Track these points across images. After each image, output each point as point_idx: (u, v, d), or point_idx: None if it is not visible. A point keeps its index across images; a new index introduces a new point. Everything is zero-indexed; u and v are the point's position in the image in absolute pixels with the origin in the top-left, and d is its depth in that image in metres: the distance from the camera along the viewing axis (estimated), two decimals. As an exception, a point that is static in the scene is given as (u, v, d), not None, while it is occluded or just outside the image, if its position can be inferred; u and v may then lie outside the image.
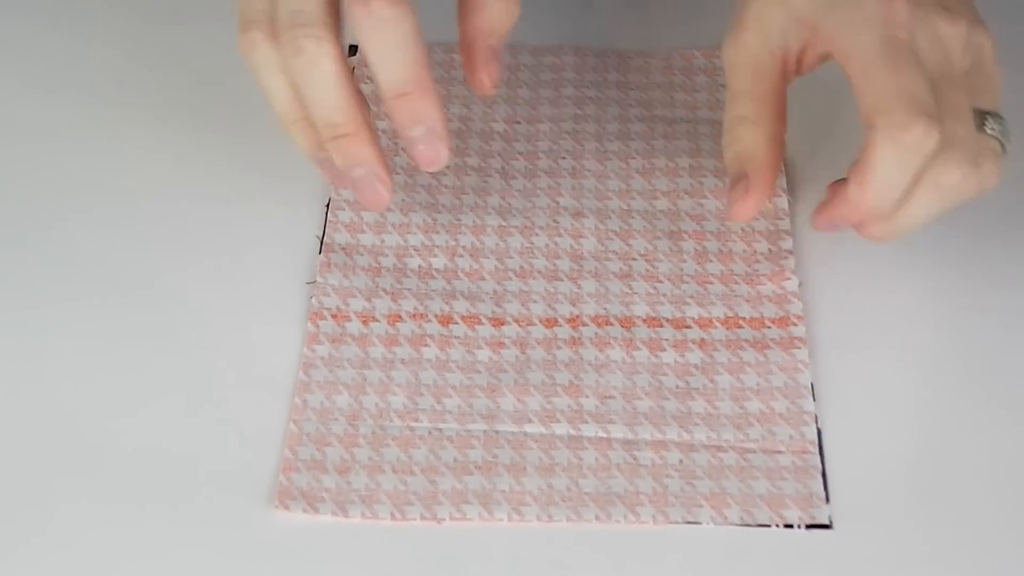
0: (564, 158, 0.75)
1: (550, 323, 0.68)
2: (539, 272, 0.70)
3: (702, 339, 0.67)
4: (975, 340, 0.68)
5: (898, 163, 0.62)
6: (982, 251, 0.71)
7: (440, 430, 0.64)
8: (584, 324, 0.68)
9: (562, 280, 0.70)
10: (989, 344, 0.68)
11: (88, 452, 0.64)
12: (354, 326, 0.68)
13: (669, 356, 0.67)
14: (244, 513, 0.62)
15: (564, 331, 0.68)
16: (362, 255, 0.71)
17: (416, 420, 0.65)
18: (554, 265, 0.70)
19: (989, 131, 0.64)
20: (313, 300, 0.69)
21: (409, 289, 0.69)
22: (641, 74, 0.80)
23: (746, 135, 0.68)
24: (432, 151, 0.63)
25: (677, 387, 0.66)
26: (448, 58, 0.79)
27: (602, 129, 0.76)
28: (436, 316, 0.68)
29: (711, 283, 0.69)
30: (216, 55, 0.81)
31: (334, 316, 0.68)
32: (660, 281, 0.70)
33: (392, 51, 0.61)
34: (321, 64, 0.62)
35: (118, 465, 0.63)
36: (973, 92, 0.65)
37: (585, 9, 0.84)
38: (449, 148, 0.63)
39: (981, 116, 0.65)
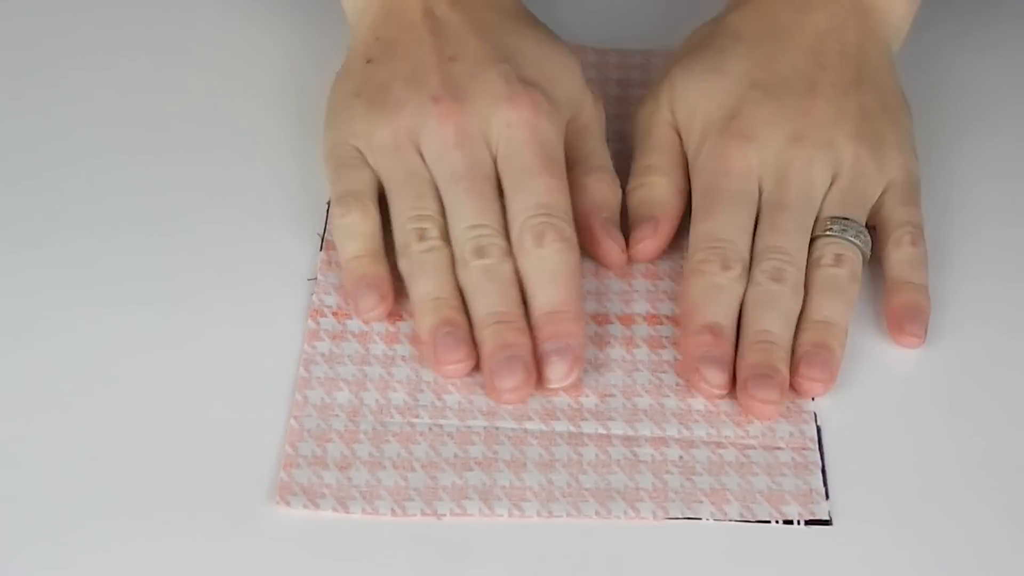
0: None
1: None
2: None
3: None
4: (975, 336, 0.68)
5: (703, 293, 0.66)
6: (981, 251, 0.72)
7: (440, 426, 0.64)
8: (584, 321, 0.68)
9: None
10: (990, 341, 0.68)
11: (88, 449, 0.64)
12: (355, 323, 0.68)
13: (669, 354, 0.67)
14: (245, 509, 0.62)
15: None
16: None
17: (416, 416, 0.65)
18: None
19: (827, 233, 0.68)
20: (314, 297, 0.69)
21: None
22: (640, 72, 0.80)
23: (656, 182, 0.72)
24: (565, 366, 0.65)
25: (677, 384, 0.66)
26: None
27: None
28: None
29: None
30: (222, 52, 0.82)
31: (335, 313, 0.68)
32: (660, 279, 0.70)
33: (555, 278, 0.66)
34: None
35: (118, 462, 0.63)
36: (835, 205, 0.69)
37: (586, 7, 0.84)
38: (580, 371, 0.65)
39: (833, 222, 0.69)
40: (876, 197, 0.71)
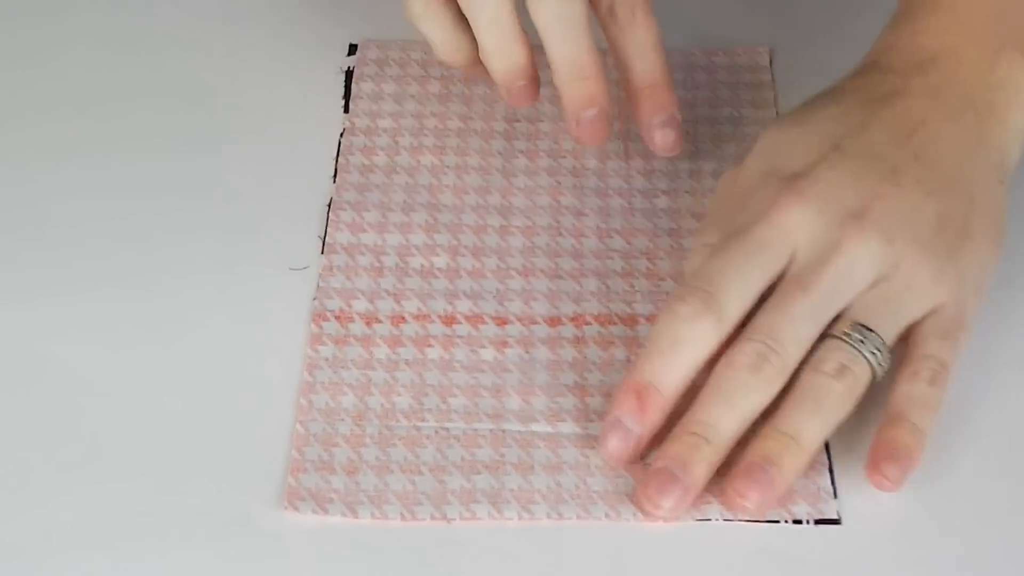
0: (565, 157, 0.75)
1: (553, 322, 0.68)
2: (541, 271, 0.70)
3: None
4: (983, 339, 0.67)
5: (660, 338, 0.61)
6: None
7: (447, 429, 0.64)
8: (587, 323, 0.68)
9: (564, 279, 0.70)
10: (996, 339, 0.67)
11: (92, 453, 0.63)
12: (357, 327, 0.68)
13: None
14: (253, 514, 0.62)
15: (568, 330, 0.68)
16: (364, 255, 0.71)
17: (422, 420, 0.65)
18: (556, 263, 0.70)
19: (842, 336, 0.61)
20: (316, 302, 0.69)
21: (412, 289, 0.69)
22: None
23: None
24: (672, 136, 0.70)
25: None
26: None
27: None
28: (439, 316, 0.68)
29: None
30: (223, 45, 0.81)
31: (337, 317, 0.68)
32: (662, 279, 0.70)
33: (649, 51, 0.69)
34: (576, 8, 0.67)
35: (123, 467, 0.63)
36: (866, 310, 0.62)
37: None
38: (681, 137, 0.71)
39: (855, 328, 0.62)
40: (915, 319, 0.63)
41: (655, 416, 0.61)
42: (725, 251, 0.62)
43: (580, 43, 0.68)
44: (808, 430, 0.60)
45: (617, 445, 0.62)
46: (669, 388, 0.61)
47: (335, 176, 0.74)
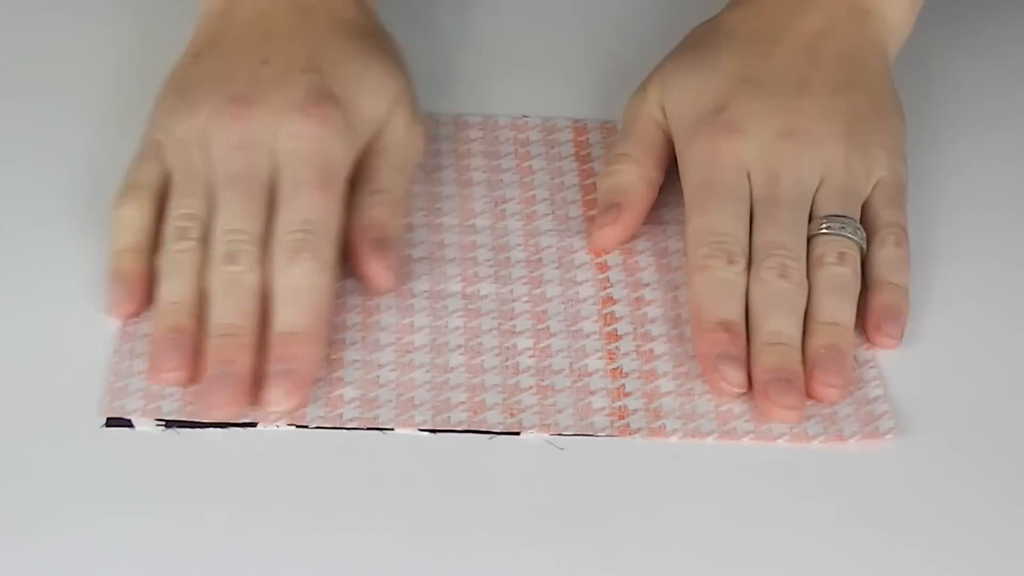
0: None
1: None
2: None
3: None
4: None
5: (712, 290, 0.66)
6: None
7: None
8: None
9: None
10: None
11: None
12: None
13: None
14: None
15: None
16: None
17: None
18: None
19: (825, 231, 0.68)
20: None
21: None
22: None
23: (626, 169, 0.71)
24: (282, 390, 0.62)
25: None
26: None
27: None
28: None
29: None
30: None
31: None
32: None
33: (300, 296, 0.64)
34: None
35: None
36: (829, 203, 0.69)
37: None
38: (302, 398, 0.63)
39: (830, 220, 0.68)
40: (865, 196, 0.70)
41: (743, 343, 0.65)
42: (708, 205, 0.68)
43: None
44: (843, 314, 0.66)
45: (736, 373, 0.64)
46: (739, 319, 0.66)
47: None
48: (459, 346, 0.65)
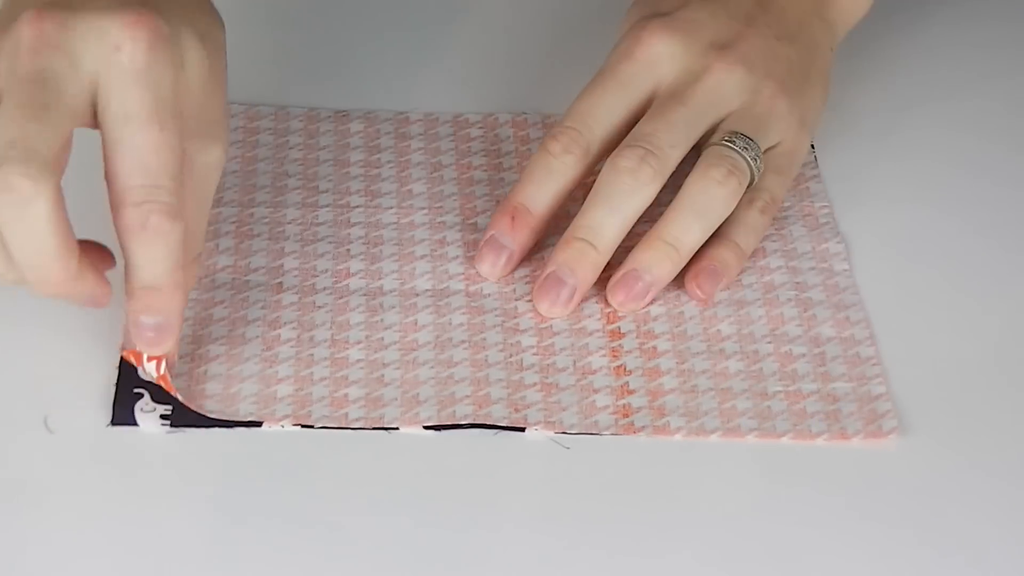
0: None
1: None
2: None
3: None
4: None
5: (531, 172, 0.67)
6: None
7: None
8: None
9: None
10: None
11: None
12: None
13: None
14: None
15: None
16: None
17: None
18: None
19: (727, 143, 0.67)
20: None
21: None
22: None
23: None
24: (159, 339, 0.60)
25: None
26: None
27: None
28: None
29: None
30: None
31: None
32: None
33: (158, 259, 0.58)
34: (33, 209, 0.55)
35: None
36: (742, 123, 0.68)
37: None
38: (176, 345, 0.61)
39: (738, 137, 0.67)
40: (766, 147, 0.69)
41: (525, 234, 0.67)
42: (592, 89, 0.68)
43: (43, 252, 0.56)
44: (689, 237, 0.66)
45: (493, 260, 0.68)
46: (539, 209, 0.67)
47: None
48: (463, 342, 0.66)
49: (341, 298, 0.67)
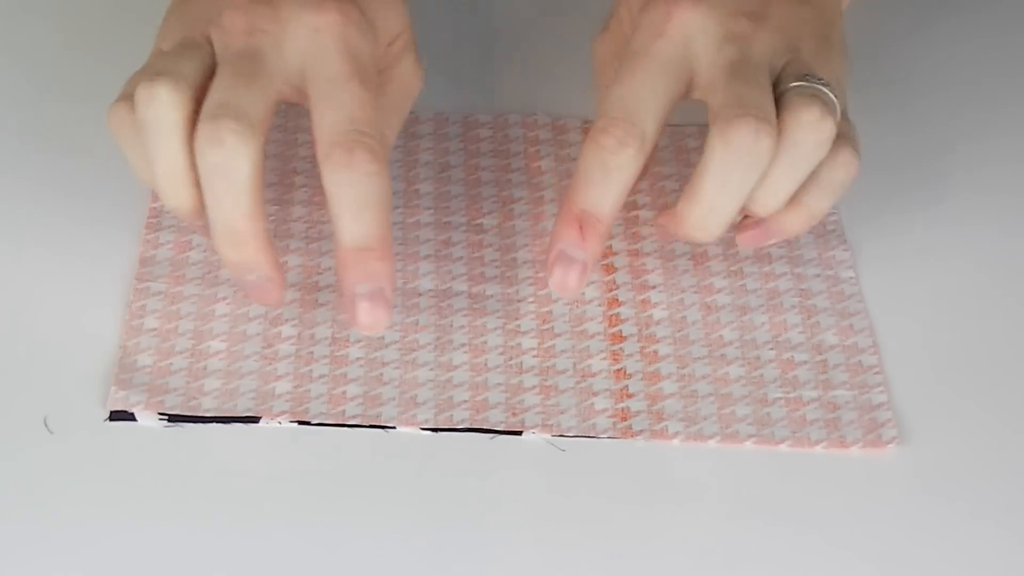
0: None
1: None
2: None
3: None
4: None
5: (588, 172, 0.62)
6: None
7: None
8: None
9: None
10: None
11: None
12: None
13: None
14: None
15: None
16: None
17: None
18: None
19: (806, 82, 0.62)
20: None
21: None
22: None
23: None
24: (375, 312, 0.60)
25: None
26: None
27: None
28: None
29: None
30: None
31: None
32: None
33: (367, 206, 0.60)
34: (239, 164, 0.59)
35: None
36: (795, 69, 0.63)
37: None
38: (390, 320, 0.61)
39: (800, 79, 0.63)
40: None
41: (596, 243, 0.63)
42: (631, 73, 0.63)
43: (237, 207, 0.60)
44: (821, 205, 0.64)
45: (565, 275, 0.63)
46: (606, 214, 0.62)
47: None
48: (463, 344, 0.65)
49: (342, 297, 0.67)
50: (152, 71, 0.61)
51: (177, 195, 0.61)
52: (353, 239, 0.60)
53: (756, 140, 0.60)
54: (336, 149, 0.60)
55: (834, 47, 0.67)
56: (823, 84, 0.62)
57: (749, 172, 0.61)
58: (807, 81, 0.62)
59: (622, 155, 0.62)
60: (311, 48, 0.62)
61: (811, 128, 0.61)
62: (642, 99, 0.62)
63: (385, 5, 0.65)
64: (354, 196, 0.60)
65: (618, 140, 0.62)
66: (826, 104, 0.61)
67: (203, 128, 0.59)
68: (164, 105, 0.59)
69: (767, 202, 0.63)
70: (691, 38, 0.63)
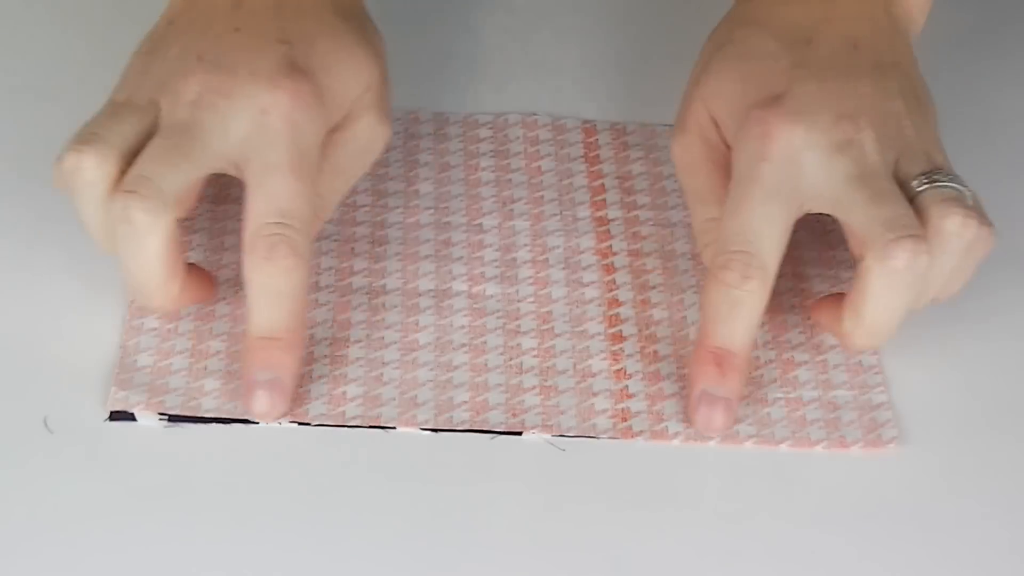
0: None
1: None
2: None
3: None
4: None
5: (716, 308, 0.62)
6: None
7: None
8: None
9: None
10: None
11: None
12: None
13: None
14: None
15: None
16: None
17: None
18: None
19: (938, 181, 0.63)
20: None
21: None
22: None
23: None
24: (271, 400, 0.62)
25: None
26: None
27: None
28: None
29: None
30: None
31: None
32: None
33: (280, 298, 0.62)
34: (147, 241, 0.61)
35: None
36: (912, 165, 0.63)
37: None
38: (287, 408, 0.62)
39: (925, 175, 0.63)
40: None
41: (736, 379, 0.62)
42: (741, 202, 0.63)
43: (147, 275, 0.62)
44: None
45: (710, 415, 0.62)
46: (740, 347, 0.62)
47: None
48: (463, 345, 0.65)
49: (343, 296, 0.67)
50: (88, 132, 0.62)
51: (108, 249, 0.62)
52: (260, 328, 0.62)
53: (915, 261, 0.61)
54: (259, 242, 0.61)
55: (924, 104, 0.67)
56: (950, 180, 0.63)
57: (911, 290, 0.62)
58: (935, 183, 0.62)
59: (746, 288, 0.62)
60: (254, 131, 0.63)
61: (957, 236, 0.62)
62: (758, 229, 0.62)
63: (347, 68, 0.66)
64: (270, 288, 0.62)
65: (741, 274, 0.62)
66: (960, 201, 0.62)
67: (115, 202, 0.61)
68: (87, 174, 0.61)
69: (922, 300, 0.63)
70: (797, 156, 0.63)
